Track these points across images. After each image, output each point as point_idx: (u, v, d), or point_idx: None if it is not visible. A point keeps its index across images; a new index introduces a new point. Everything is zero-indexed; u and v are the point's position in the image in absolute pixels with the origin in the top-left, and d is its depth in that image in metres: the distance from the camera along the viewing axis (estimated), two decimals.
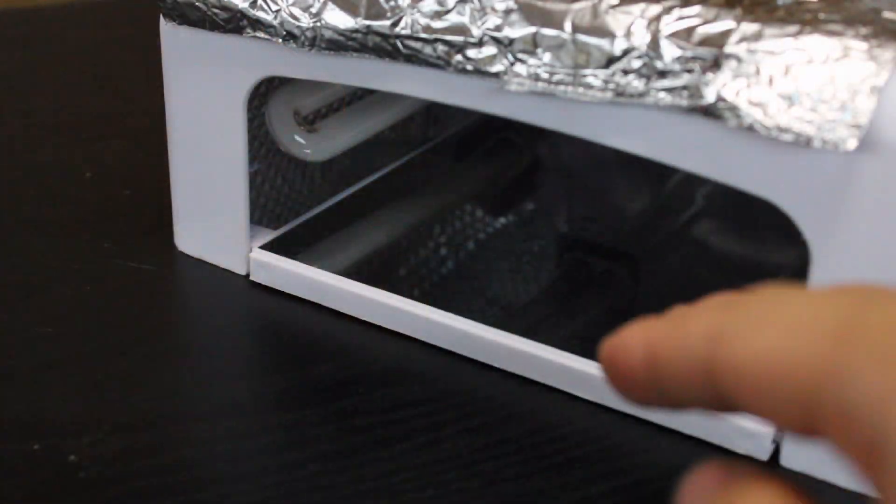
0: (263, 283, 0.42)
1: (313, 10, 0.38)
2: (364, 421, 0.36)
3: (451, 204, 0.49)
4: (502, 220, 0.48)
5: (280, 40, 0.39)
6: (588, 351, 0.38)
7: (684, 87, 0.31)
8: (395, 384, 0.38)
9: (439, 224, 0.47)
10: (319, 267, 0.42)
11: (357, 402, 0.37)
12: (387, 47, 0.36)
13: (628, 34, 0.32)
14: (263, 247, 0.42)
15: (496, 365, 0.37)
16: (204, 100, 0.42)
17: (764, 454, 0.34)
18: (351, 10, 0.37)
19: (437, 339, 0.38)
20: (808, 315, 0.20)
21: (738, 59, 0.31)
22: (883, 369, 0.18)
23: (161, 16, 0.42)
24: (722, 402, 0.21)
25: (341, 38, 0.37)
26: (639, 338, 0.23)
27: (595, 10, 0.33)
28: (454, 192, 0.50)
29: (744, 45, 0.31)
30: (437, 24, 0.35)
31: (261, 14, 0.39)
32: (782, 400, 0.20)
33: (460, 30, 0.35)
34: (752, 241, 0.46)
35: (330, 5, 0.37)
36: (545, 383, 0.36)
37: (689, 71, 0.31)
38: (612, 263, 0.45)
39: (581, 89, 0.33)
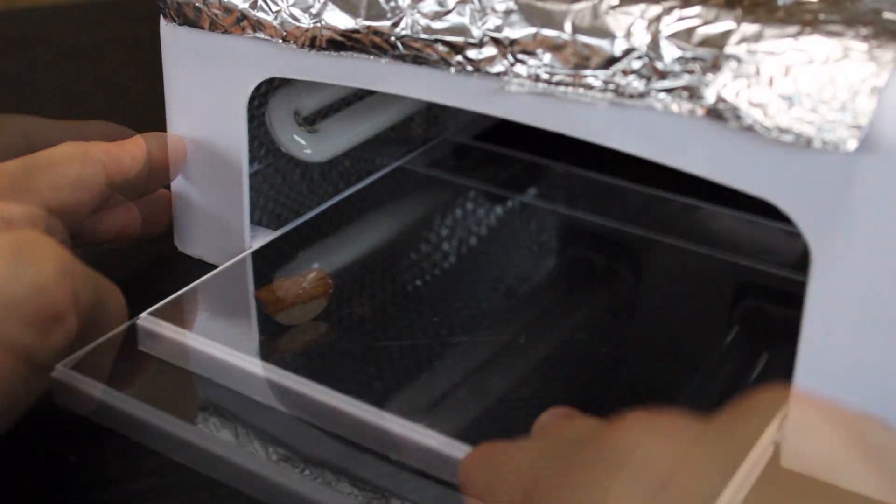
0: (149, 352, 0.37)
1: (313, 11, 0.38)
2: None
3: (451, 200, 0.49)
4: (504, 215, 0.48)
5: (280, 41, 0.39)
6: (590, 348, 0.38)
7: (685, 88, 0.31)
8: None
9: (440, 219, 0.47)
10: (319, 266, 0.42)
11: None
12: (387, 48, 0.36)
13: (628, 35, 0.32)
14: (153, 312, 0.38)
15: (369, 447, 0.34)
16: (204, 100, 0.42)
17: None
18: (351, 10, 0.37)
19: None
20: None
21: (739, 60, 0.31)
22: None
23: (161, 16, 0.42)
24: None
25: (341, 39, 0.37)
26: None
27: (595, 11, 0.33)
28: (455, 188, 0.50)
29: (744, 46, 0.31)
30: (437, 25, 0.35)
31: (261, 14, 0.39)
32: None
33: (460, 30, 0.35)
34: (753, 234, 0.46)
35: (330, 6, 0.37)
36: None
37: (690, 72, 0.31)
38: (614, 258, 0.45)
39: (581, 90, 0.33)
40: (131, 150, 0.39)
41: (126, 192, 0.39)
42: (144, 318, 0.37)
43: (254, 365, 0.35)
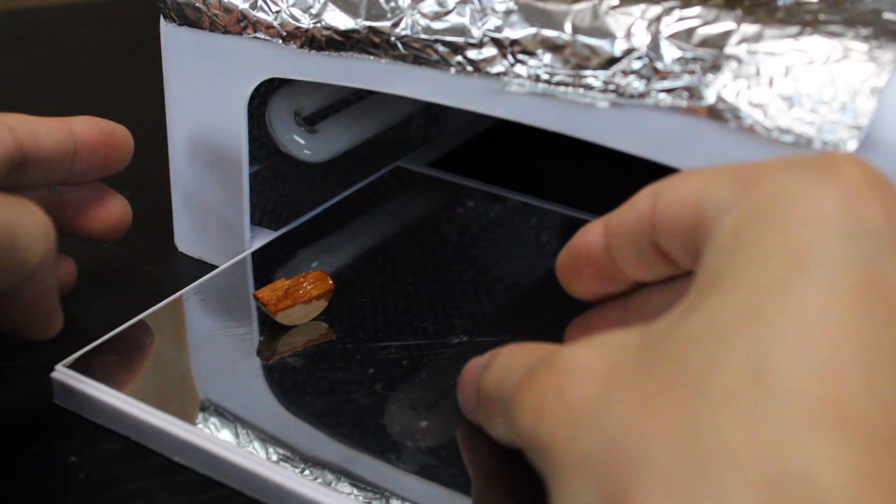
0: (67, 407, 0.36)
1: (313, 11, 0.38)
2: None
3: (451, 200, 0.49)
4: (504, 214, 0.48)
5: (280, 41, 0.39)
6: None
7: (685, 88, 0.32)
8: None
9: (440, 219, 0.47)
10: (319, 266, 0.42)
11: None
12: (387, 48, 0.36)
13: (629, 35, 0.32)
14: (73, 365, 0.36)
15: None
16: (204, 100, 0.42)
17: None
18: (351, 10, 0.37)
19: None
20: (725, 171, 0.26)
21: (739, 61, 0.31)
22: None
23: (161, 16, 0.42)
24: (658, 251, 0.28)
25: (341, 39, 0.37)
26: (597, 223, 0.30)
27: (595, 11, 0.33)
28: (455, 188, 0.50)
29: (744, 47, 0.31)
30: (437, 25, 0.35)
31: (261, 15, 0.39)
32: (682, 223, 0.27)
33: (460, 31, 0.35)
34: None
35: (330, 6, 0.37)
36: None
37: (690, 72, 0.31)
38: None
39: (581, 90, 0.33)
40: (50, 124, 0.37)
41: (43, 164, 0.37)
42: (60, 371, 0.36)
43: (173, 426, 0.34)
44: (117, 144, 0.39)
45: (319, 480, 0.32)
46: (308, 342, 0.38)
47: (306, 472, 0.32)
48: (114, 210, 0.40)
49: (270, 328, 0.39)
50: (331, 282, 0.39)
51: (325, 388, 0.36)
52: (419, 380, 0.36)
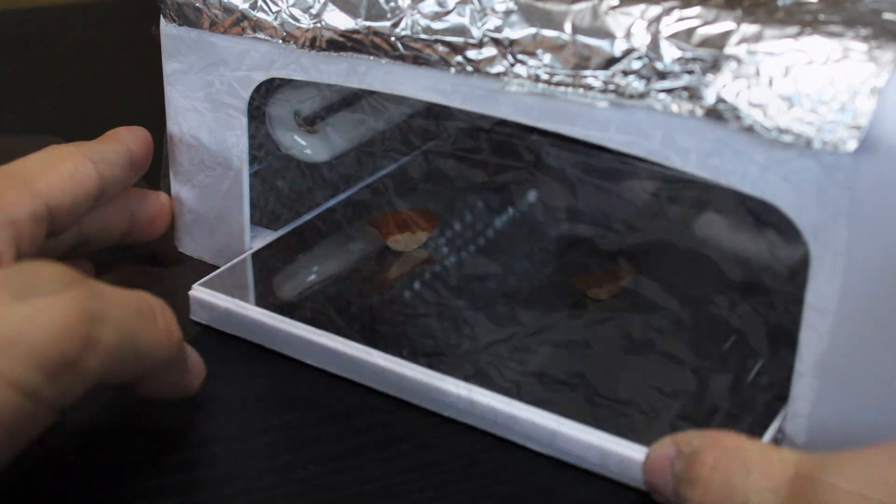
0: (203, 322, 0.41)
1: (313, 11, 0.38)
2: (364, 422, 0.36)
3: (452, 200, 0.49)
4: (502, 219, 0.48)
5: (280, 41, 0.39)
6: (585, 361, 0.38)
7: (684, 89, 0.32)
8: None
9: (440, 219, 0.47)
10: (320, 265, 0.42)
11: (356, 403, 0.37)
12: (387, 48, 0.36)
13: (628, 35, 0.32)
14: (204, 283, 0.41)
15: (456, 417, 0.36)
16: (204, 100, 0.42)
17: None
18: (351, 11, 0.37)
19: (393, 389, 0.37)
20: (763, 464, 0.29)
21: (738, 61, 0.31)
22: None
23: (161, 16, 0.42)
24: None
25: (341, 39, 0.37)
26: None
27: (595, 12, 0.33)
28: (455, 188, 0.50)
29: (744, 47, 0.31)
30: (437, 25, 0.35)
31: (261, 15, 0.39)
32: None
33: (460, 31, 0.35)
34: (753, 238, 0.46)
35: (330, 6, 0.37)
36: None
37: (690, 72, 0.31)
38: (613, 263, 0.45)
39: (581, 90, 0.33)
40: (113, 145, 0.39)
41: (114, 187, 0.39)
42: (196, 289, 0.40)
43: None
44: (150, 150, 0.41)
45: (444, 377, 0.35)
46: (415, 266, 0.43)
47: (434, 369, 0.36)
48: (164, 205, 0.44)
49: (381, 255, 0.44)
50: (435, 216, 0.45)
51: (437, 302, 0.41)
52: (521, 299, 0.41)
